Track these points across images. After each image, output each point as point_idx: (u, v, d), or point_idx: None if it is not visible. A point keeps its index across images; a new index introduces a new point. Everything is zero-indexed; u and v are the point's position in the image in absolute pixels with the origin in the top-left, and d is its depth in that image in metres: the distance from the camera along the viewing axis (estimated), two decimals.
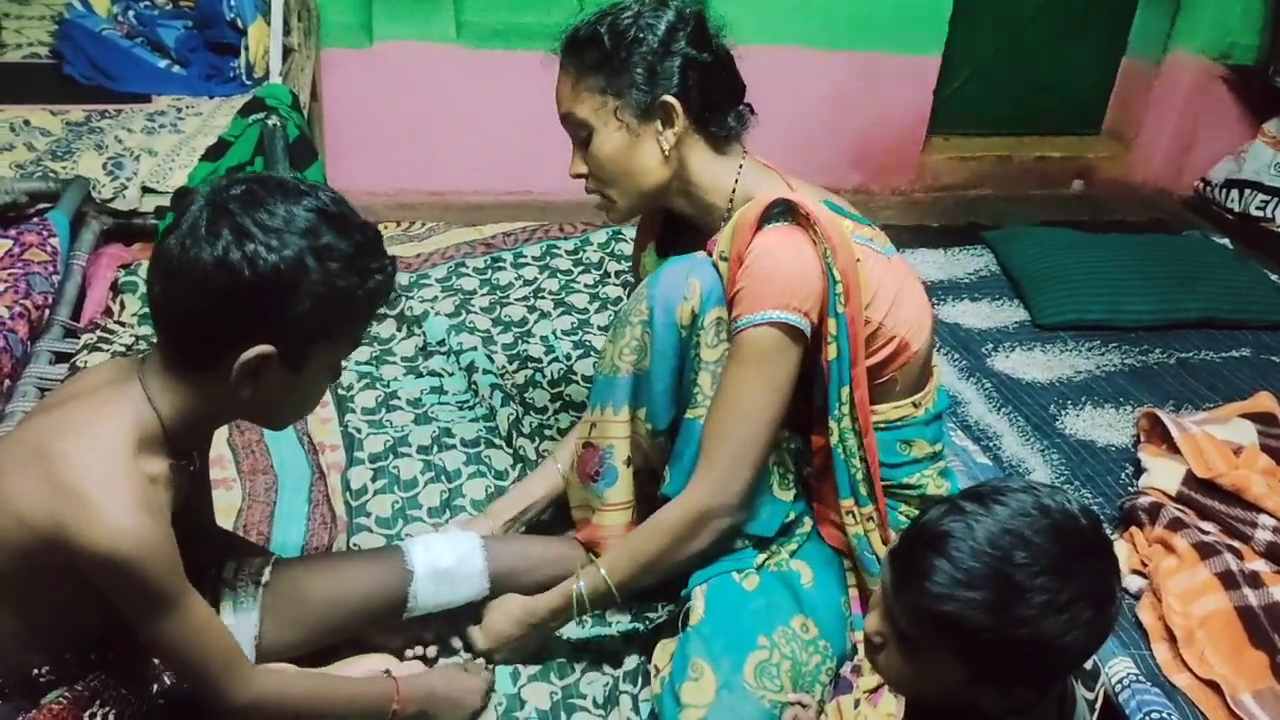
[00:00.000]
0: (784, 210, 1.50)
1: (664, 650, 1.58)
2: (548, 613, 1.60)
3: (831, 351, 1.51)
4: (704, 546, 1.56)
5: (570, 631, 1.69)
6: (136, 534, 1.12)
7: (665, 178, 1.60)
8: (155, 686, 1.35)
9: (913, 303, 1.60)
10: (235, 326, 1.16)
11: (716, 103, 1.58)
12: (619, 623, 1.71)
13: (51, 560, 1.14)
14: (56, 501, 1.11)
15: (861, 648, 1.43)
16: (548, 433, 2.15)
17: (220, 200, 1.15)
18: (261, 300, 1.14)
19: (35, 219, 2.28)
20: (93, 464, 1.13)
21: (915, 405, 1.63)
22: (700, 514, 1.53)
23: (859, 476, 1.58)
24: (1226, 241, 3.14)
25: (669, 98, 1.54)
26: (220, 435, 2.05)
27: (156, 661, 1.35)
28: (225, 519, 1.85)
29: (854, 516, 1.59)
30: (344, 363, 1.33)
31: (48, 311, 2.10)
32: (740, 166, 1.61)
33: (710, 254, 1.58)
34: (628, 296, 2.63)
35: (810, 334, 1.50)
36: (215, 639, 1.26)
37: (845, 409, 1.54)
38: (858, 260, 1.51)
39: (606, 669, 1.65)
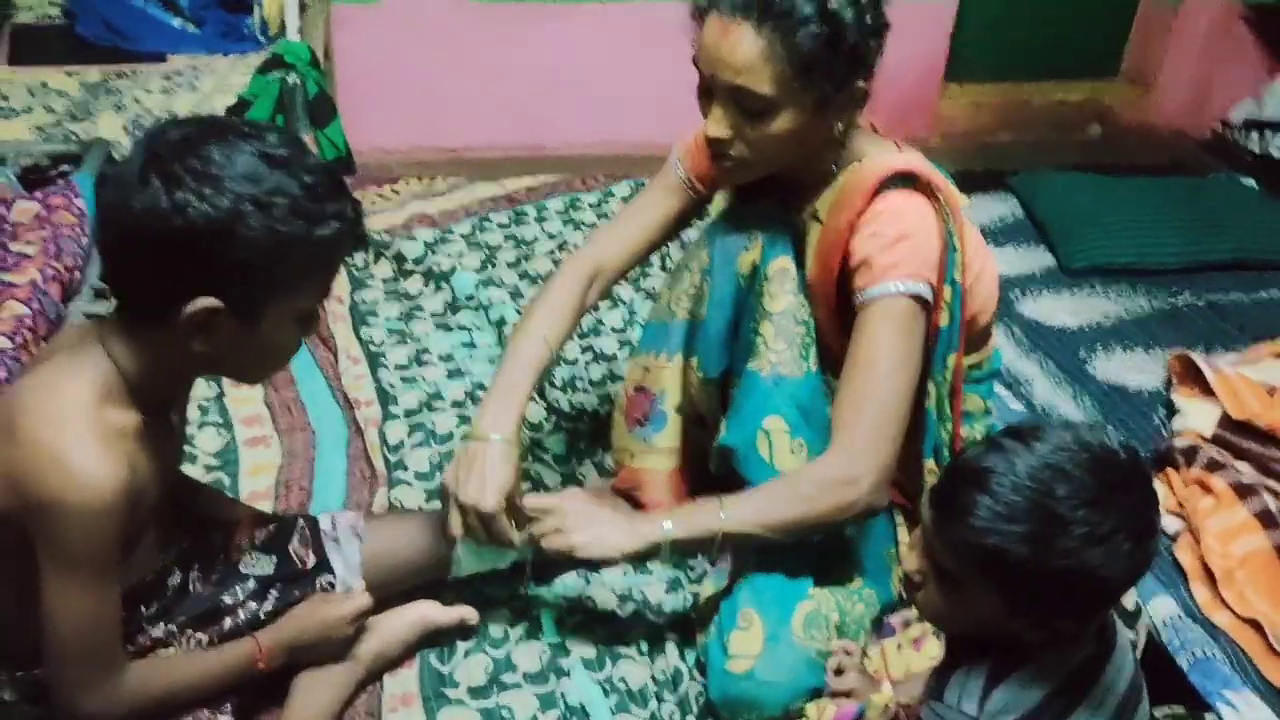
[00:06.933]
0: (905, 178, 1.45)
1: (708, 598, 1.58)
2: (646, 528, 1.44)
3: (944, 319, 1.49)
4: (829, 515, 1.44)
5: (613, 580, 1.69)
6: (94, 477, 1.09)
7: (815, 151, 1.50)
8: None
9: (989, 277, 1.59)
10: (174, 279, 1.11)
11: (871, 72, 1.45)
12: (661, 571, 1.72)
13: (35, 526, 1.12)
14: (20, 454, 1.10)
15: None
16: (579, 384, 2.16)
17: (155, 146, 1.09)
18: (195, 250, 1.08)
19: (59, 181, 2.27)
20: (53, 416, 1.11)
21: (971, 366, 1.63)
22: (834, 481, 1.42)
23: (944, 439, 1.57)
24: (1252, 182, 3.11)
25: (864, 83, 1.43)
26: (256, 394, 2.05)
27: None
28: (266, 476, 1.87)
29: (935, 476, 1.57)
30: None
31: (78, 274, 2.10)
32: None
33: (800, 208, 1.53)
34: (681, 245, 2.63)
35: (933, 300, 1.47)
36: (102, 631, 1.20)
37: (948, 374, 1.53)
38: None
39: (649, 616, 1.66)
